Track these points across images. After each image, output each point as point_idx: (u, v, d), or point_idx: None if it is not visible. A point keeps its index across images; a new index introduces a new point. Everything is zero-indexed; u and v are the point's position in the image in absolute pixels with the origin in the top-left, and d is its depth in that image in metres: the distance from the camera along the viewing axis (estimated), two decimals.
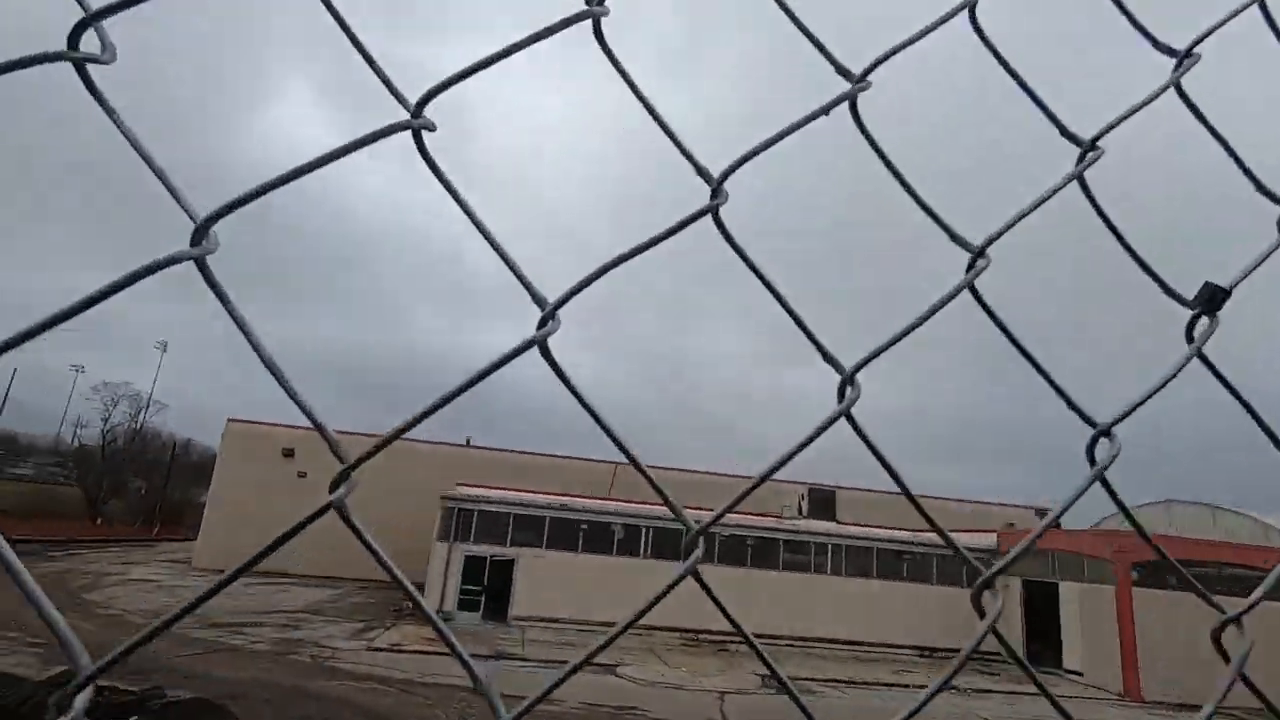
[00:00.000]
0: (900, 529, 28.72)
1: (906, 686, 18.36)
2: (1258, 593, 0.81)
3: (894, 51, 0.82)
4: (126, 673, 12.51)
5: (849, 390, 0.66)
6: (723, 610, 0.77)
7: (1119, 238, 0.72)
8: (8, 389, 53.88)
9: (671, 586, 0.66)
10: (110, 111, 0.47)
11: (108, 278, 0.62)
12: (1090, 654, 21.39)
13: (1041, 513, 40.24)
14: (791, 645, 23.64)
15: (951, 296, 0.70)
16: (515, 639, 19.99)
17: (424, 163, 0.75)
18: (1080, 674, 21.54)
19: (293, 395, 0.37)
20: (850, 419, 0.64)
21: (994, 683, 20.20)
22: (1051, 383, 0.68)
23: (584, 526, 24.33)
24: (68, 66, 0.62)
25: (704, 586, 0.70)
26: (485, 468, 34.80)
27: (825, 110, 0.67)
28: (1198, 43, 0.92)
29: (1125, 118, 0.88)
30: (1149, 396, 0.76)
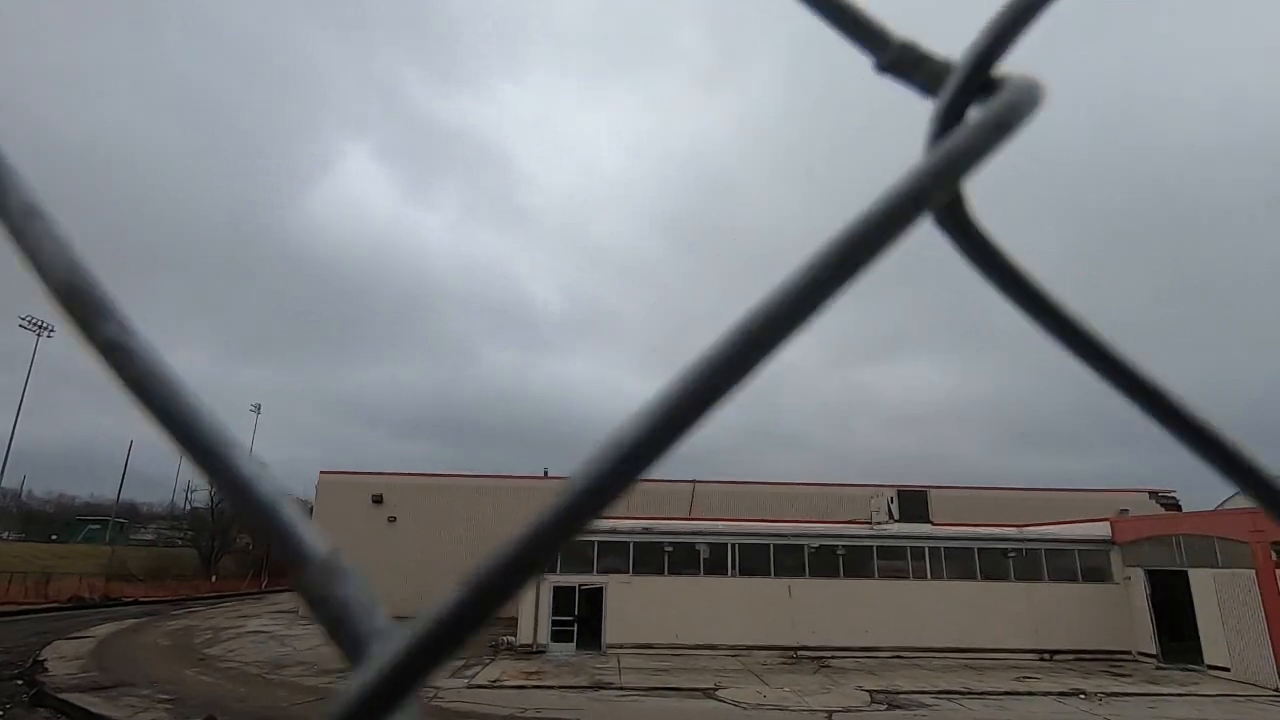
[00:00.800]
0: (1002, 525, 27.13)
1: (1030, 694, 17.12)
2: None
3: None
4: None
5: None
6: None
7: None
8: (126, 463, 58.27)
9: None
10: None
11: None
12: (1236, 647, 19.45)
13: (1156, 495, 37.27)
14: (897, 656, 22.55)
15: None
16: (611, 667, 19.86)
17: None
18: (1226, 669, 19.60)
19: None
20: None
21: (1127, 684, 18.62)
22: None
23: (669, 548, 24.08)
24: None
25: None
26: None
27: None
28: None
29: None
30: None
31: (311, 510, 37.72)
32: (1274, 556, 18.80)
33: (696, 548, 24.14)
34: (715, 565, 23.96)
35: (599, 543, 24.04)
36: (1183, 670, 20.65)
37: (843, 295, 0.38)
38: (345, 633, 0.38)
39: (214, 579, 53.61)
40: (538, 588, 23.13)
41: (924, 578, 24.15)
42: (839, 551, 24.27)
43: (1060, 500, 35.26)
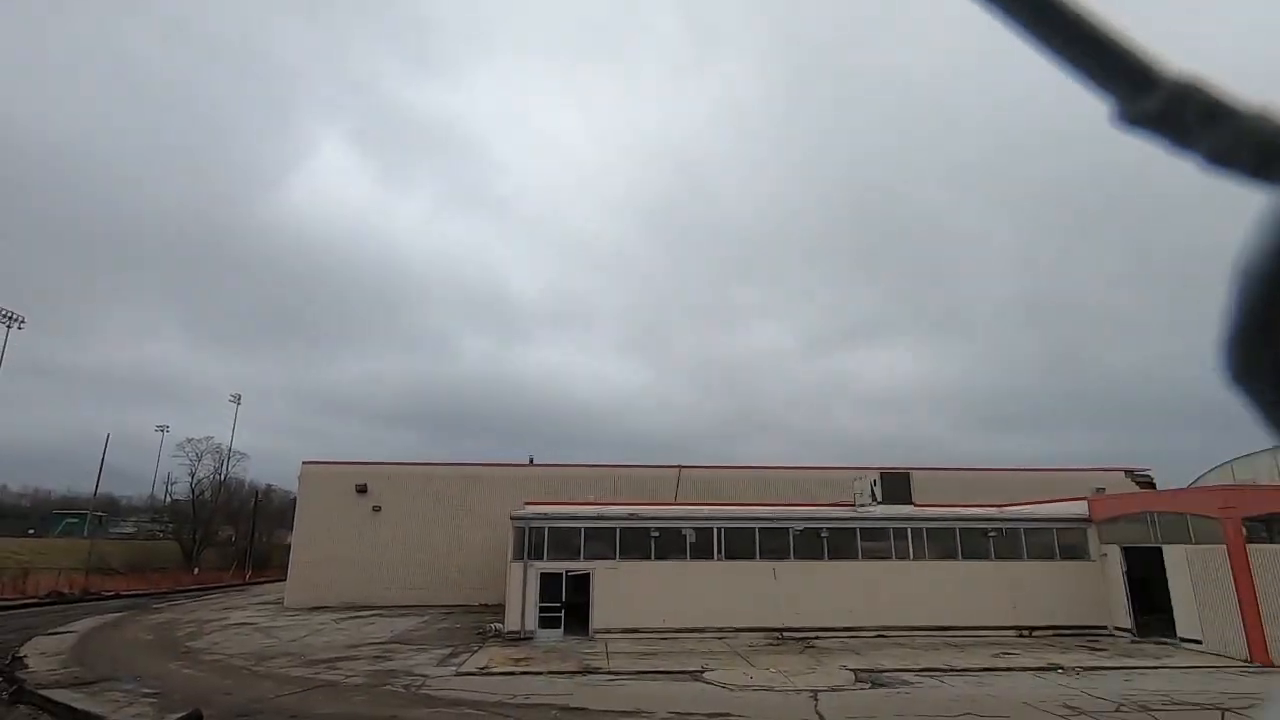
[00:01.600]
0: (982, 505, 27.57)
1: (1009, 670, 17.50)
2: None
3: None
4: (233, 714, 13.01)
5: None
6: None
7: None
8: (103, 456, 57.37)
9: None
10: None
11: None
12: (1207, 620, 20.00)
13: (1131, 474, 38.04)
14: (881, 635, 22.93)
15: None
16: (599, 652, 19.99)
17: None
18: (1198, 642, 20.16)
19: None
20: None
21: (1103, 658, 19.09)
22: None
23: (655, 534, 24.21)
24: None
25: None
26: (551, 484, 35.14)
27: None
28: None
29: None
30: None
31: (295, 501, 37.41)
32: (1244, 532, 19.31)
33: (682, 532, 24.29)
34: (701, 549, 24.14)
35: (585, 529, 24.12)
36: (1157, 644, 21.21)
37: None
38: None
39: (196, 571, 53.06)
40: (524, 574, 23.18)
41: (906, 558, 24.52)
42: (823, 534, 24.55)
43: (1038, 480, 35.88)
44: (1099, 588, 24.09)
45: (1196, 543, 20.62)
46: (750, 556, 24.14)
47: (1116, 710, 13.25)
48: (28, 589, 37.74)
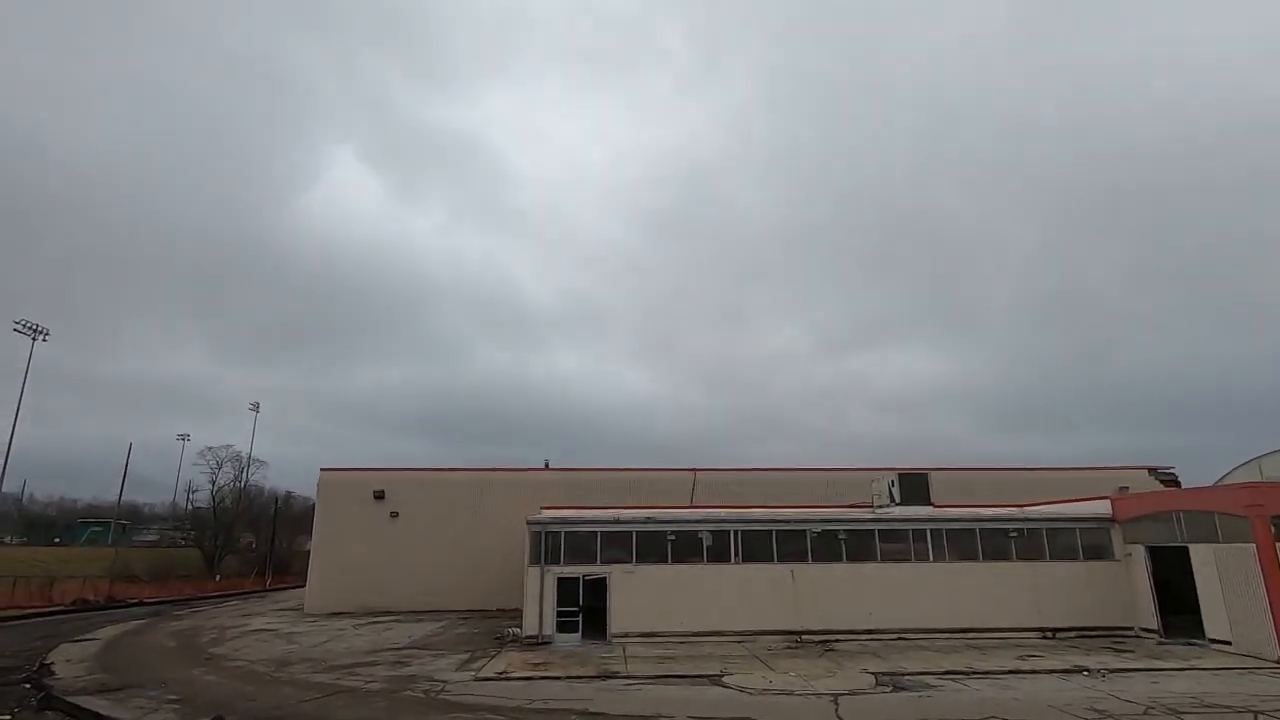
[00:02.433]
0: (1003, 505, 27.23)
1: (1034, 672, 17.24)
2: None
3: None
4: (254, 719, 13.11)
5: None
6: None
7: None
8: (126, 465, 58.17)
9: None
10: None
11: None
12: (1237, 620, 19.59)
13: (1155, 472, 37.43)
14: (901, 638, 22.69)
15: None
16: (617, 656, 19.94)
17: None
18: (1228, 643, 19.75)
19: None
20: None
21: (1129, 660, 18.75)
22: None
23: (672, 537, 24.14)
24: None
25: None
26: (567, 489, 35.18)
27: None
28: None
29: None
30: None
31: (314, 508, 37.74)
32: (1273, 530, 18.90)
33: (699, 536, 24.20)
34: (718, 553, 24.03)
35: (602, 533, 24.09)
36: (1185, 645, 20.80)
37: None
38: None
39: (218, 578, 53.69)
40: (541, 578, 23.20)
41: (926, 560, 24.26)
42: (841, 536, 24.36)
43: (1060, 479, 35.41)
44: (1124, 588, 23.69)
45: (1224, 541, 20.21)
46: (768, 559, 23.99)
47: (1145, 713, 13.00)
48: (54, 596, 38.38)
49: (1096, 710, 13.24)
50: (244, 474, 63.42)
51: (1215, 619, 20.36)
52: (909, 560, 24.27)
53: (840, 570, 23.96)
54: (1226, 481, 31.06)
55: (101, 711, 13.64)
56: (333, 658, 20.34)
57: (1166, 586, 22.70)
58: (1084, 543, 24.57)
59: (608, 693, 15.27)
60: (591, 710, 13.57)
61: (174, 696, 15.09)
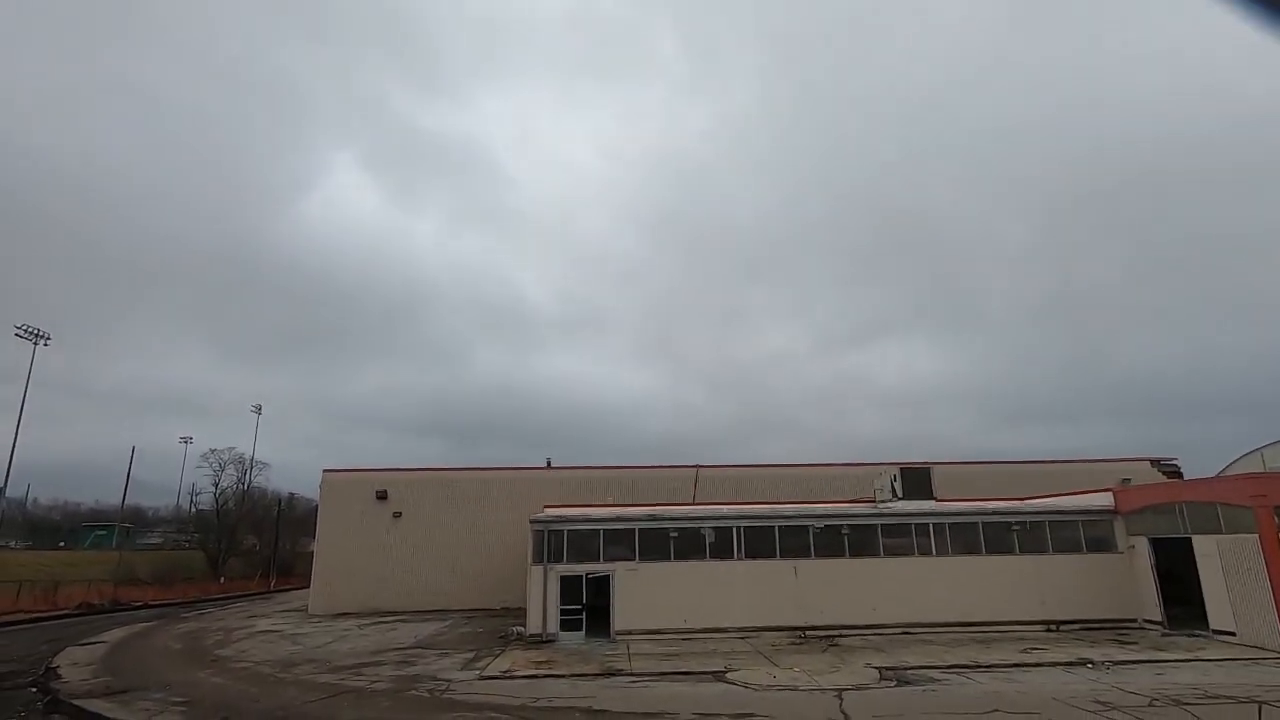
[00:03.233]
0: (1005, 498, 27.22)
1: (1038, 665, 17.24)
2: None
3: None
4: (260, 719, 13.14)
5: None
6: None
7: None
8: (129, 469, 58.19)
9: None
10: None
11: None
12: (1240, 611, 19.58)
13: (1157, 463, 37.38)
14: (905, 633, 22.70)
15: None
16: (621, 654, 19.97)
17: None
18: (1232, 634, 19.74)
19: None
20: None
21: (1133, 652, 18.75)
22: None
23: (674, 534, 24.15)
24: None
25: None
26: (569, 487, 35.21)
27: None
28: None
29: None
30: None
31: (317, 509, 37.78)
32: (1276, 520, 18.88)
33: (702, 532, 24.22)
34: (721, 549, 24.05)
35: (605, 531, 24.11)
36: (1189, 636, 20.80)
37: None
38: None
39: (222, 580, 53.78)
40: (545, 577, 23.22)
41: (929, 554, 24.27)
42: (844, 531, 24.36)
43: (1062, 472, 35.40)
44: (1127, 580, 23.68)
45: (1227, 532, 20.19)
46: (771, 555, 24.00)
47: (1149, 705, 13.00)
48: (59, 601, 38.44)
49: (1101, 702, 13.24)
50: (247, 476, 63.52)
51: (1219, 610, 20.35)
52: (912, 555, 24.27)
53: (843, 565, 23.97)
54: (1229, 473, 31.01)
55: (107, 715, 13.67)
56: (337, 658, 20.37)
57: (1170, 578, 22.69)
58: (1087, 535, 24.56)
59: (612, 690, 15.29)
60: (595, 708, 13.59)
61: (180, 699, 15.12)
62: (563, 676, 16.80)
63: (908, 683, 15.49)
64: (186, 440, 76.06)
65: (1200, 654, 18.17)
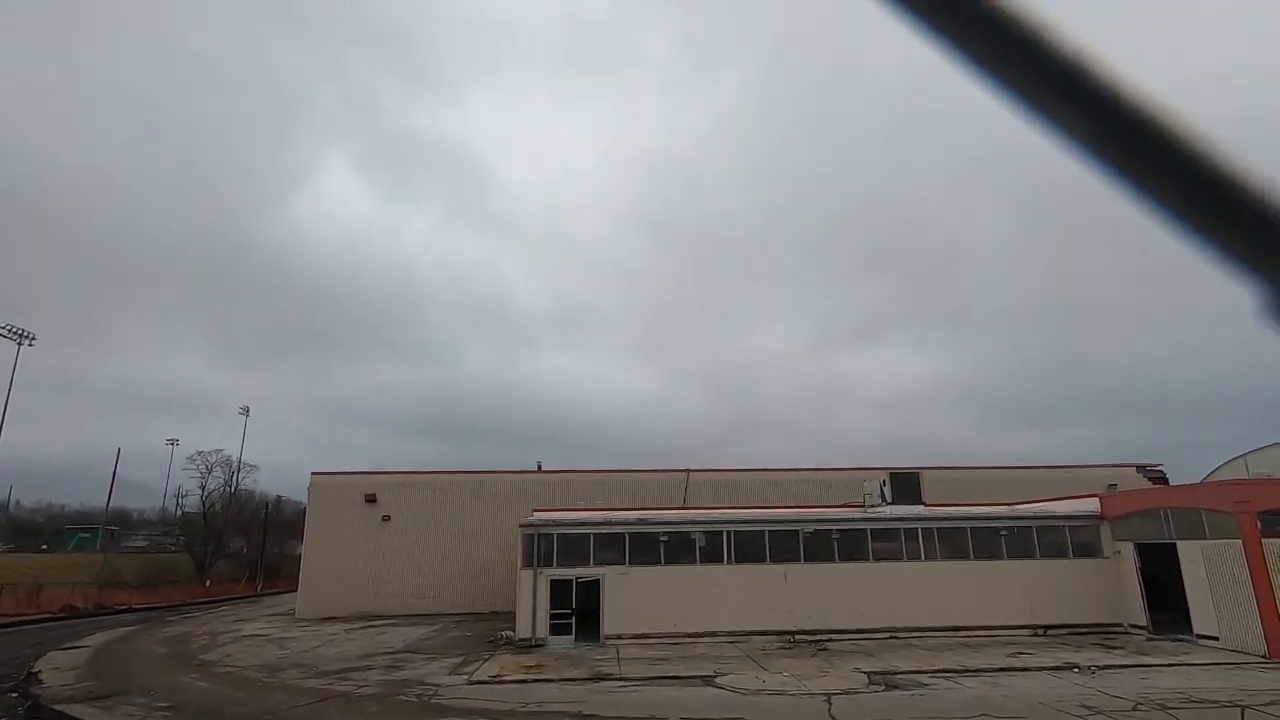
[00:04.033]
0: (993, 503, 27.39)
1: (1025, 669, 17.35)
2: None
3: None
4: None
5: None
6: None
7: None
8: (115, 470, 57.60)
9: None
10: None
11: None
12: (1224, 616, 19.79)
13: (1143, 469, 37.73)
14: (894, 637, 22.78)
15: None
16: (611, 658, 19.94)
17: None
18: (1215, 639, 19.95)
19: None
20: None
21: (1119, 656, 18.91)
22: None
23: (665, 538, 24.15)
24: None
25: None
26: (560, 490, 35.14)
27: None
28: None
29: None
30: None
31: (305, 512, 37.51)
32: (1259, 526, 19.12)
33: (692, 536, 24.22)
34: (711, 553, 24.06)
35: (595, 535, 24.08)
36: (1173, 641, 20.99)
37: None
38: None
39: (208, 583, 53.25)
40: (534, 581, 23.16)
41: (918, 559, 24.38)
42: (833, 535, 24.44)
43: (1049, 477, 35.66)
44: (1113, 585, 23.88)
45: (1211, 538, 20.41)
46: (761, 560, 24.04)
47: (1134, 709, 13.12)
48: (42, 604, 37.95)
49: (1087, 706, 13.35)
50: (234, 478, 62.96)
51: (1203, 615, 20.55)
52: (901, 559, 24.38)
53: (833, 570, 24.04)
54: (1213, 479, 31.36)
55: None
56: (325, 662, 20.23)
57: (1155, 583, 22.89)
58: (1074, 540, 24.75)
59: (601, 695, 15.26)
60: (585, 712, 13.57)
61: (164, 704, 14.97)
62: (552, 681, 16.75)
63: (896, 687, 15.56)
64: (173, 442, 75.33)
65: (1184, 659, 18.34)
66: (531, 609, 22.86)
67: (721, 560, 24.00)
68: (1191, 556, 20.97)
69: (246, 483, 64.95)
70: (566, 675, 17.37)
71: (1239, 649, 19.02)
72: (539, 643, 22.43)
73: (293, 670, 18.98)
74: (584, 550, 23.86)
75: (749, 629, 23.00)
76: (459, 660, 20.16)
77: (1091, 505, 25.32)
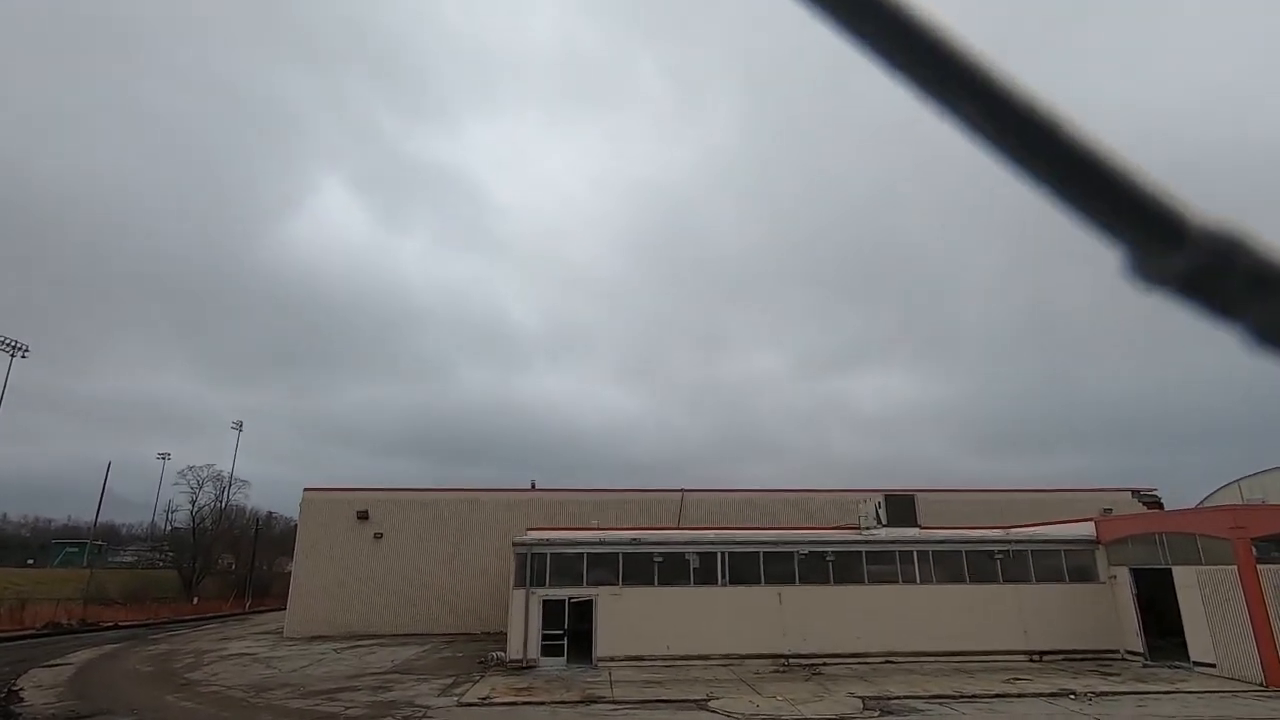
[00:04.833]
0: (988, 527, 27.30)
1: (1021, 696, 17.18)
2: None
3: None
4: None
5: None
6: None
7: None
8: (104, 484, 57.05)
9: None
10: None
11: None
12: (1220, 643, 19.67)
13: (1138, 494, 37.70)
14: (889, 661, 22.56)
15: None
16: (603, 680, 19.68)
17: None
18: (1212, 665, 19.80)
19: None
20: None
21: (1115, 683, 18.75)
22: None
23: (659, 559, 23.96)
24: None
25: None
26: (553, 509, 34.90)
27: None
28: None
29: None
30: None
31: (296, 528, 37.13)
32: (1255, 552, 19.08)
33: (686, 558, 24.05)
34: (705, 575, 23.87)
35: (588, 555, 23.88)
36: (1170, 668, 20.83)
37: None
38: None
39: (195, 601, 52.51)
40: (526, 601, 22.92)
41: (913, 582, 24.22)
42: (828, 558, 24.29)
43: (1044, 501, 35.58)
44: (1109, 610, 23.74)
45: (1206, 564, 20.35)
46: (755, 582, 23.86)
47: None
48: (25, 620, 37.32)
49: None
50: (225, 494, 62.39)
51: (1199, 642, 20.43)
52: (896, 582, 24.22)
53: (827, 592, 23.86)
54: (1208, 504, 31.36)
55: None
56: (312, 683, 19.91)
57: (1151, 608, 22.78)
58: (1069, 565, 24.64)
59: (591, 718, 15.04)
60: None
61: None
62: (543, 704, 16.51)
63: (891, 713, 15.38)
64: (164, 456, 74.71)
65: (1182, 686, 18.19)
66: (523, 629, 22.59)
67: (716, 582, 23.81)
68: (1187, 582, 20.88)
69: (238, 498, 64.37)
70: (558, 698, 17.13)
71: (1236, 676, 18.88)
72: (530, 664, 22.14)
73: (279, 690, 18.67)
74: (577, 570, 23.66)
75: (743, 652, 22.75)
76: (449, 681, 19.86)
77: (1087, 529, 25.26)
